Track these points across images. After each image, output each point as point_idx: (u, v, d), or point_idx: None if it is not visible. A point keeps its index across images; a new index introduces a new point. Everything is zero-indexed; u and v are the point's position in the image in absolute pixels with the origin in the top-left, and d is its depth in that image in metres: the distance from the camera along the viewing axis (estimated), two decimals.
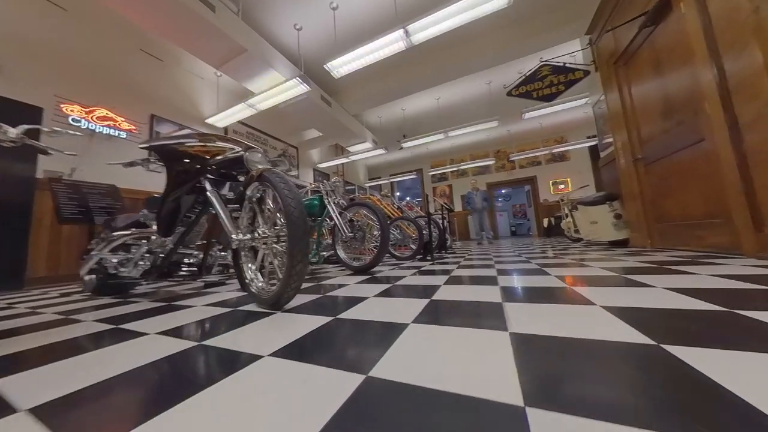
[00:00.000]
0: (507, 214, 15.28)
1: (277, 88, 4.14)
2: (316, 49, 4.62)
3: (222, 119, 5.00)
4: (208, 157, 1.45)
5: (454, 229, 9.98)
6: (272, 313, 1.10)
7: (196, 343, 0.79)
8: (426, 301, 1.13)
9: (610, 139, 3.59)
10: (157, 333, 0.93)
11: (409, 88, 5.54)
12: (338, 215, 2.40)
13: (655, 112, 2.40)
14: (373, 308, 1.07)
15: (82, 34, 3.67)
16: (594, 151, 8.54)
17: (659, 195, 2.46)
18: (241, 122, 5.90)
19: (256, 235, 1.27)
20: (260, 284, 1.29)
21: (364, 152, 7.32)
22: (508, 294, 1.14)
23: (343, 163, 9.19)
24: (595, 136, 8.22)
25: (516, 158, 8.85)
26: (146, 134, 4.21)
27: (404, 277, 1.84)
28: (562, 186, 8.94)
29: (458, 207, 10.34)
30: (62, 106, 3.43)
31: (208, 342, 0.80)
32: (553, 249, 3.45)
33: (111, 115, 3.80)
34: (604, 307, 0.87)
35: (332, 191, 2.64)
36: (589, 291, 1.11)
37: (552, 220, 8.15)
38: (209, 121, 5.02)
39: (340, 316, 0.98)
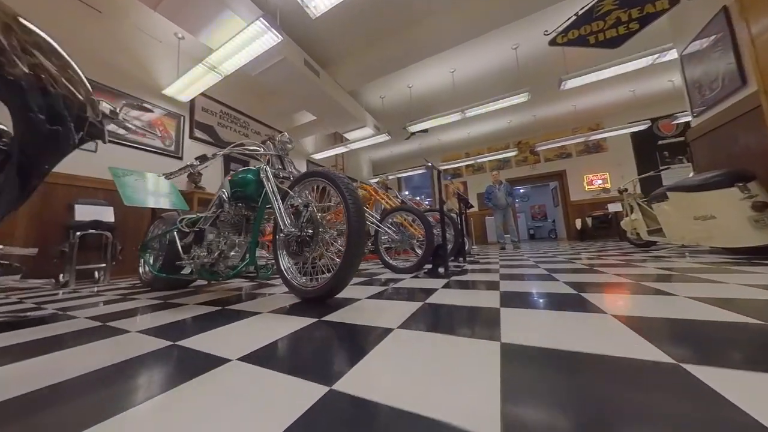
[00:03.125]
0: (525, 216, 13.94)
1: (238, 39, 3.10)
2: None
3: (183, 90, 4.02)
4: None
5: (470, 230, 8.77)
6: None
7: None
8: None
9: (703, 97, 2.34)
10: None
11: (414, 54, 4.43)
12: (278, 197, 1.31)
13: None
14: None
15: None
16: (638, 139, 7.20)
17: None
18: (215, 100, 4.93)
19: None
20: None
21: (364, 139, 6.23)
22: None
23: (342, 154, 8.16)
24: (638, 121, 6.90)
25: (542, 148, 7.58)
26: None
27: (389, 333, 0.71)
28: (599, 182, 7.60)
29: (474, 206, 9.12)
30: None
31: None
32: (637, 259, 2.25)
33: None
34: None
35: (278, 157, 1.56)
36: None
37: (588, 220, 6.86)
38: (167, 92, 4.05)
39: None
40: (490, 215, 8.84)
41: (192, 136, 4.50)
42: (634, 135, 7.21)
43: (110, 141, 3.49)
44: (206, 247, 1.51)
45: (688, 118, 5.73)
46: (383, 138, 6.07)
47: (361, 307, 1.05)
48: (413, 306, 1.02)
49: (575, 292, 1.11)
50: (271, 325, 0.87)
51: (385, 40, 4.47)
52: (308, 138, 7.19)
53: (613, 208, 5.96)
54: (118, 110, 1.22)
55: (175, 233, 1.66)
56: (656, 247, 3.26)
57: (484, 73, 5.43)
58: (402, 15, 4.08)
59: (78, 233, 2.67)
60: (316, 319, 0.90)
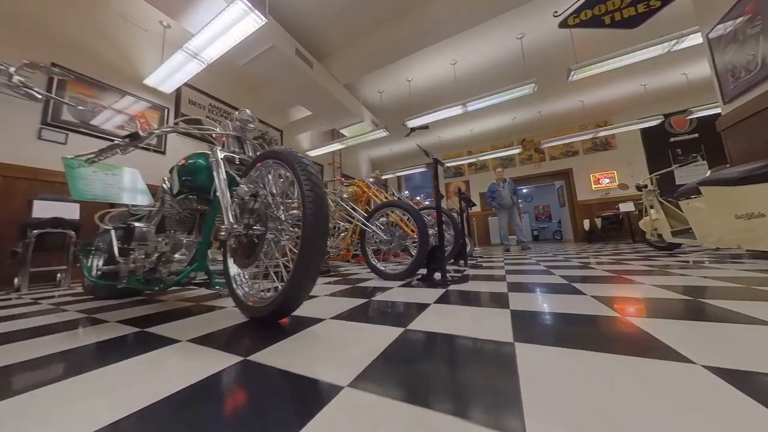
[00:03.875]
0: (528, 217, 13.61)
1: (219, 21, 2.84)
2: None
3: (164, 79, 3.76)
4: None
5: (472, 231, 8.45)
6: None
7: None
8: None
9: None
10: None
11: (412, 43, 4.13)
12: (225, 186, 1.03)
13: None
14: None
15: None
16: (649, 136, 6.86)
17: None
18: (203, 92, 4.67)
19: None
20: None
21: (361, 135, 5.94)
22: None
23: (340, 152, 7.89)
24: (650, 117, 6.51)
25: (548, 145, 7.25)
26: (41, 84, 2.99)
27: (332, 397, 0.41)
28: (607, 180, 7.26)
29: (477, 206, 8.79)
30: None
31: None
32: (668, 265, 1.95)
33: None
34: None
35: (236, 139, 1.28)
36: None
37: (597, 221, 6.52)
38: (148, 82, 3.79)
39: None
40: (494, 215, 8.53)
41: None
42: (644, 132, 6.87)
43: (81, 132, 3.24)
44: (140, 248, 1.22)
45: (711, 111, 5.39)
46: (381, 134, 5.78)
47: (317, 334, 0.75)
48: (390, 334, 0.72)
49: (616, 314, 0.81)
50: (170, 368, 0.58)
51: (381, 28, 4.19)
52: (304, 134, 6.93)
53: (625, 207, 5.63)
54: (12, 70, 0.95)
55: (113, 233, 1.38)
56: (682, 251, 2.94)
57: (488, 65, 5.13)
58: (398, 0, 3.80)
59: (35, 232, 2.41)
60: (241, 359, 0.60)
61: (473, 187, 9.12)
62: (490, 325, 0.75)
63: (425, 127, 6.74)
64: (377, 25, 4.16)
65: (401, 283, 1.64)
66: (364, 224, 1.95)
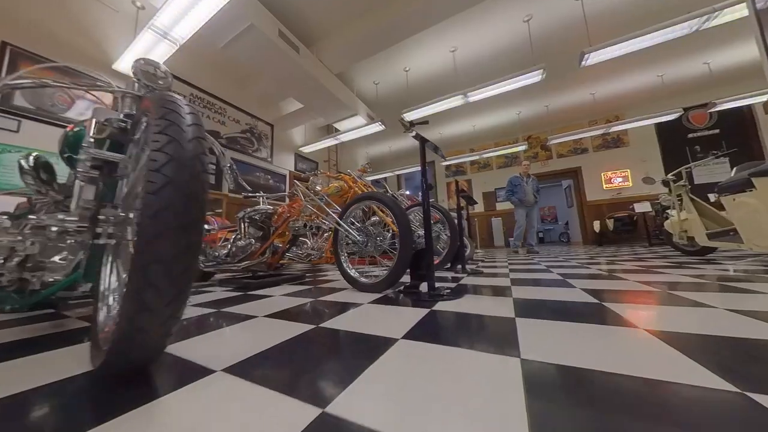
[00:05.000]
0: None
1: None
2: None
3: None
4: None
5: (474, 233, 8.05)
6: None
7: None
8: None
9: None
10: None
11: (408, 25, 3.77)
12: (87, 159, 0.68)
13: None
14: None
15: None
16: (664, 133, 6.41)
17: None
18: (184, 81, 4.36)
19: None
20: None
21: (356, 129, 5.58)
22: None
23: (336, 148, 7.55)
24: (669, 112, 6.01)
25: (555, 141, 6.83)
26: None
27: None
28: (619, 180, 6.82)
29: (479, 206, 8.38)
30: None
31: None
32: (724, 277, 1.56)
33: None
34: None
35: (135, 99, 0.93)
36: None
37: (608, 223, 6.10)
38: (117, 66, 3.48)
39: None
40: (497, 216, 8.12)
41: None
42: (660, 128, 6.43)
43: (36, 119, 2.93)
44: None
45: (738, 103, 4.92)
46: (377, 128, 5.42)
47: (152, 418, 0.39)
48: (299, 419, 0.36)
49: (728, 384, 0.44)
50: None
51: (373, 9, 3.83)
52: (297, 129, 6.59)
53: (640, 208, 5.21)
54: None
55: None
56: (716, 256, 2.54)
57: (490, 53, 4.74)
58: None
59: None
60: None
61: (476, 186, 8.72)
62: (487, 411, 0.39)
63: (425, 121, 6.37)
64: (368, 5, 3.80)
65: (377, 296, 1.28)
66: (338, 222, 1.59)
